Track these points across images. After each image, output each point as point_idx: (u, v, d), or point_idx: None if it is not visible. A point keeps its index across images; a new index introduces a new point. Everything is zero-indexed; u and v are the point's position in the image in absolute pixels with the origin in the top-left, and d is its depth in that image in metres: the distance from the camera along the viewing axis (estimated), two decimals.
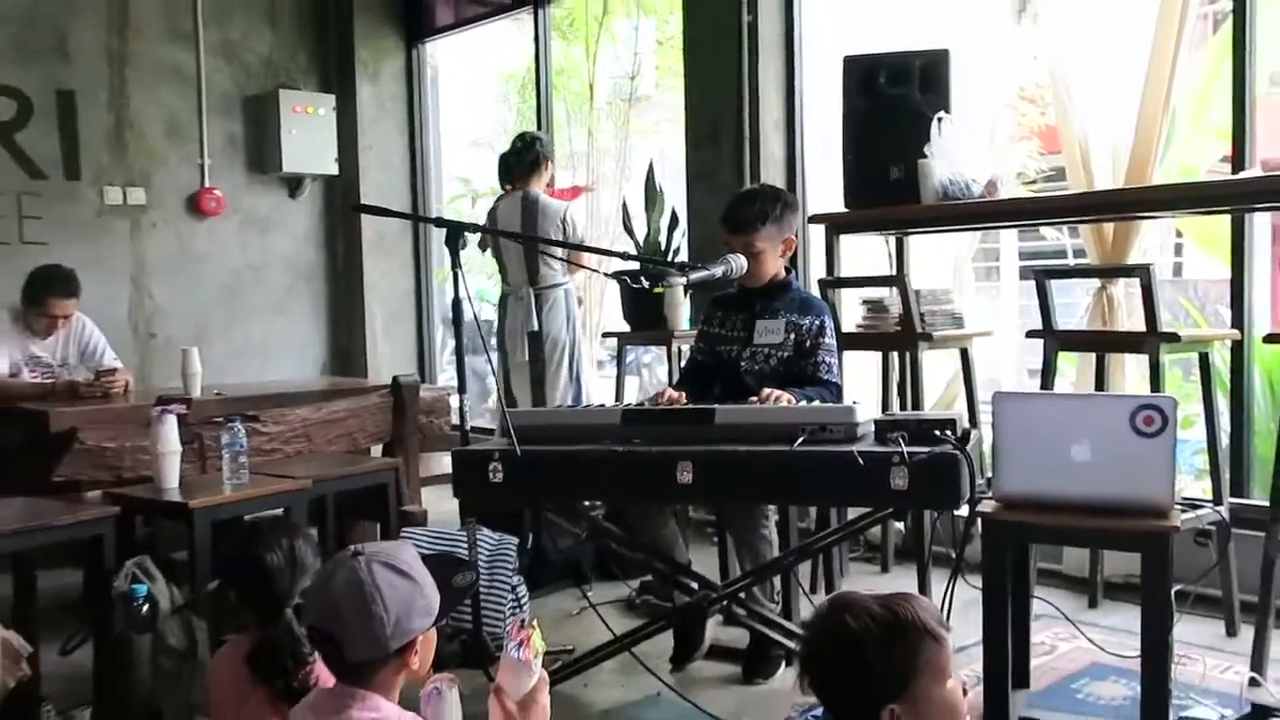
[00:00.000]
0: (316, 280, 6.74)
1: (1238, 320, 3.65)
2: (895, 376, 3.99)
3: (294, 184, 6.57)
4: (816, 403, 2.97)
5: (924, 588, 3.23)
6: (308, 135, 6.37)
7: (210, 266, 6.29)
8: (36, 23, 5.65)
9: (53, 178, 5.76)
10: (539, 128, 6.00)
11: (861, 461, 2.53)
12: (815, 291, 3.89)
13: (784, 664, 3.21)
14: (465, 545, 3.39)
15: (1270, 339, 3.02)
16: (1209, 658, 3.21)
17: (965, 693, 1.62)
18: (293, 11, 6.56)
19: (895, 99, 3.89)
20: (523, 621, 1.96)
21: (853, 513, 3.37)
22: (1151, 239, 4.16)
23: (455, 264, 2.95)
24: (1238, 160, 3.65)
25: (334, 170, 6.51)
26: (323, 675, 2.22)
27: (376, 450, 4.80)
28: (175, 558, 3.40)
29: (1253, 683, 2.83)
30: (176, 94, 6.14)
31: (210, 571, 3.00)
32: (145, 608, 2.91)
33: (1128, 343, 3.49)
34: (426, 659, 1.87)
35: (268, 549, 2.37)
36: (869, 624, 1.59)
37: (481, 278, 6.14)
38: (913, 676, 1.57)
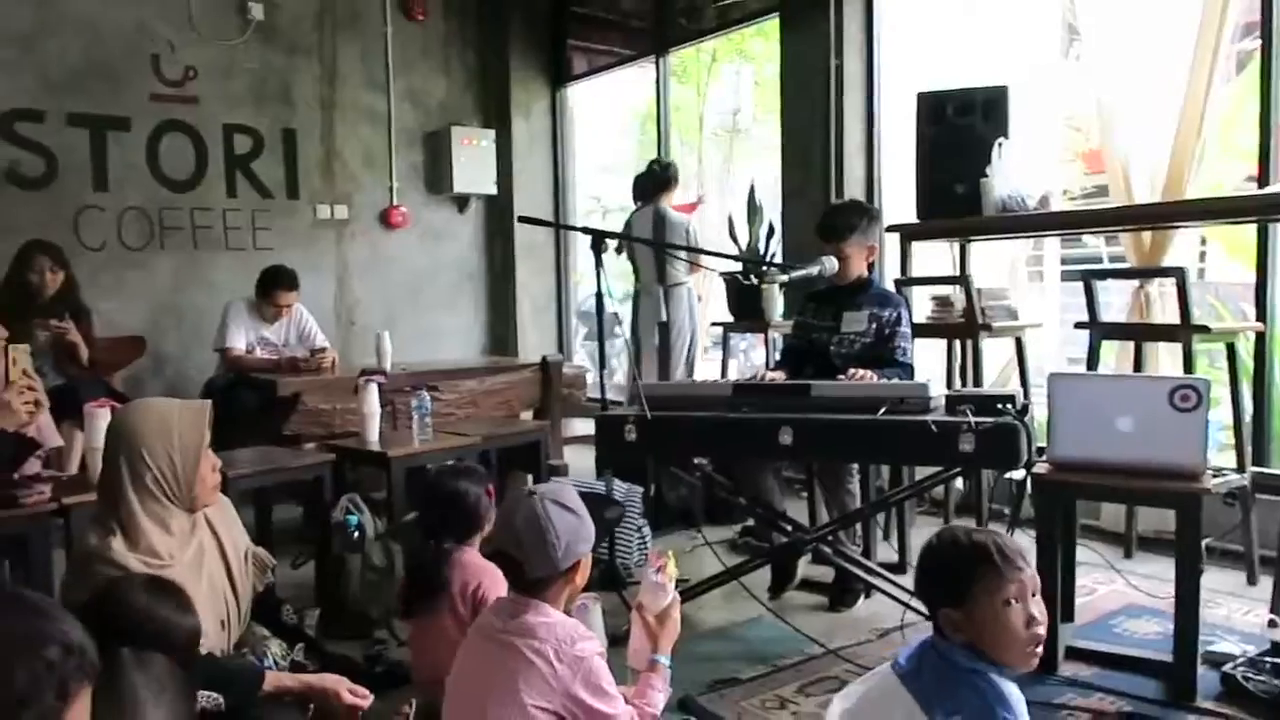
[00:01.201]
0: (479, 279, 6.85)
1: (1261, 314, 3.48)
2: (958, 361, 3.91)
3: (462, 202, 6.69)
4: (895, 380, 2.94)
5: None
6: (473, 162, 6.47)
7: (397, 268, 6.44)
8: (267, 78, 5.87)
9: (278, 198, 5.95)
10: (659, 155, 6.03)
11: (935, 428, 2.50)
12: (892, 289, 3.84)
13: (863, 596, 3.19)
14: (604, 492, 3.45)
15: None
16: (1232, 602, 3.09)
17: (1031, 625, 1.57)
18: (462, 64, 6.67)
19: (961, 128, 3.80)
20: (660, 552, 1.99)
21: (920, 474, 3.34)
22: (1187, 250, 3.98)
23: (598, 264, 2.98)
24: (1263, 177, 3.48)
25: (493, 190, 6.62)
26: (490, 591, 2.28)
27: (527, 415, 4.90)
28: (374, 497, 3.54)
29: (1271, 624, 2.70)
30: (372, 131, 6.30)
31: (410, 504, 3.09)
32: (356, 534, 3.04)
33: (1164, 333, 3.35)
34: (585, 578, 1.90)
35: (465, 482, 2.45)
36: (947, 544, 1.62)
37: (610, 278, 6.17)
38: (970, 591, 1.55)
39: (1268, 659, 2.46)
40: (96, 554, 2.08)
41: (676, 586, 2.04)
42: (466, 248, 6.78)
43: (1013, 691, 1.55)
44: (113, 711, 1.51)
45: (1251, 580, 3.25)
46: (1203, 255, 6.03)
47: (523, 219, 3.25)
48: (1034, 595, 1.56)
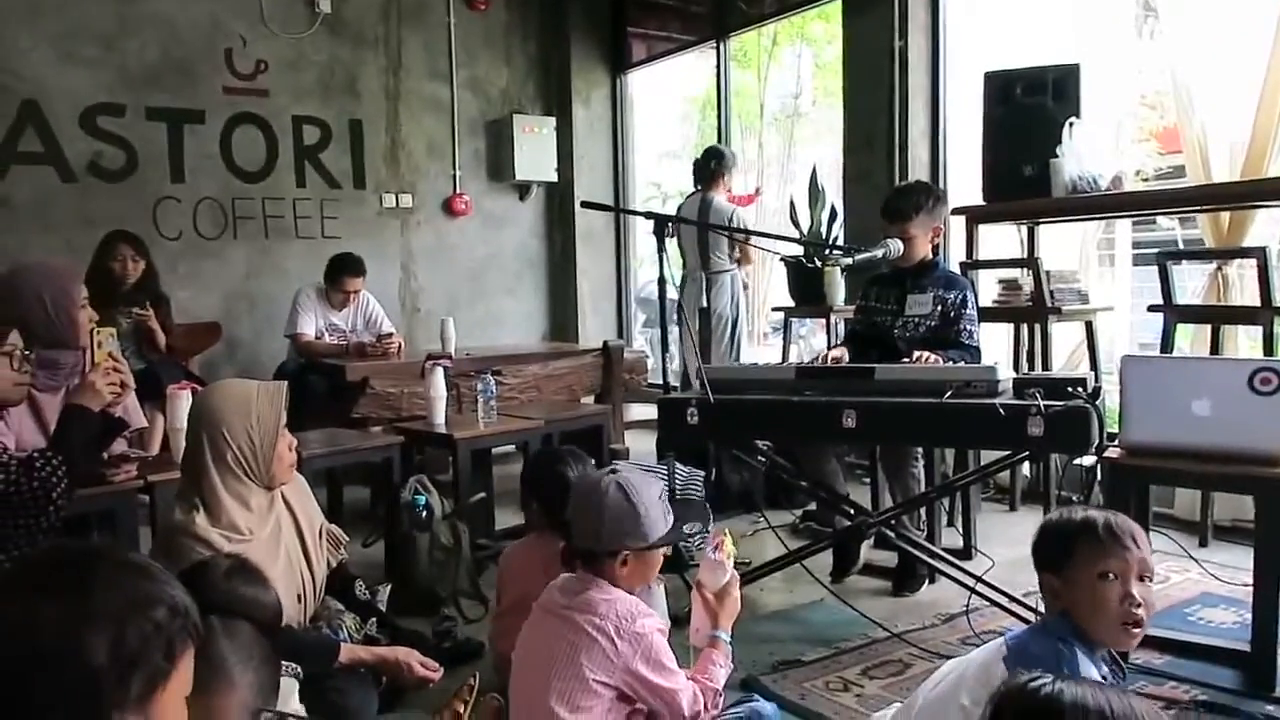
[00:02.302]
0: (539, 266, 6.91)
1: None
2: (1025, 346, 3.84)
3: (523, 189, 6.75)
4: (961, 364, 2.90)
5: None
6: (534, 150, 6.51)
7: (460, 255, 6.52)
8: (334, 70, 5.98)
9: (345, 187, 6.06)
10: (719, 141, 6.00)
11: (1003, 411, 2.46)
12: (957, 272, 3.78)
13: (927, 581, 3.16)
14: (665, 476, 3.46)
15: None
16: None
17: (1126, 602, 1.56)
18: (523, 53, 6.72)
19: (1031, 107, 3.72)
20: (719, 530, 2.00)
21: (985, 459, 3.29)
22: (1268, 232, 3.84)
23: (661, 248, 2.98)
24: None
25: (554, 178, 6.66)
26: None
27: (589, 399, 4.93)
28: (441, 479, 3.60)
29: None
30: (435, 120, 6.38)
31: (475, 486, 3.15)
32: (424, 513, 3.10)
33: (1243, 315, 3.25)
34: (637, 574, 1.88)
35: (568, 467, 2.48)
36: (1064, 515, 1.70)
37: (674, 268, 6.18)
38: (1071, 559, 1.57)
39: None
40: (181, 529, 2.16)
41: (736, 566, 2.05)
42: (527, 234, 6.83)
43: (1091, 671, 1.54)
44: (204, 677, 1.57)
45: None
46: None
47: (585, 204, 3.27)
48: (1140, 578, 1.56)
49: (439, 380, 3.53)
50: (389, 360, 4.63)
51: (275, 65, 5.77)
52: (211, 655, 1.58)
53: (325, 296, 4.99)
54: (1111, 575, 1.56)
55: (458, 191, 6.44)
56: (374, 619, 2.45)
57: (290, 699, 1.84)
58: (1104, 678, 1.57)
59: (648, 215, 3.07)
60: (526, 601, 2.40)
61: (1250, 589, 2.41)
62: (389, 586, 2.62)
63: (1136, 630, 1.55)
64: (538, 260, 6.90)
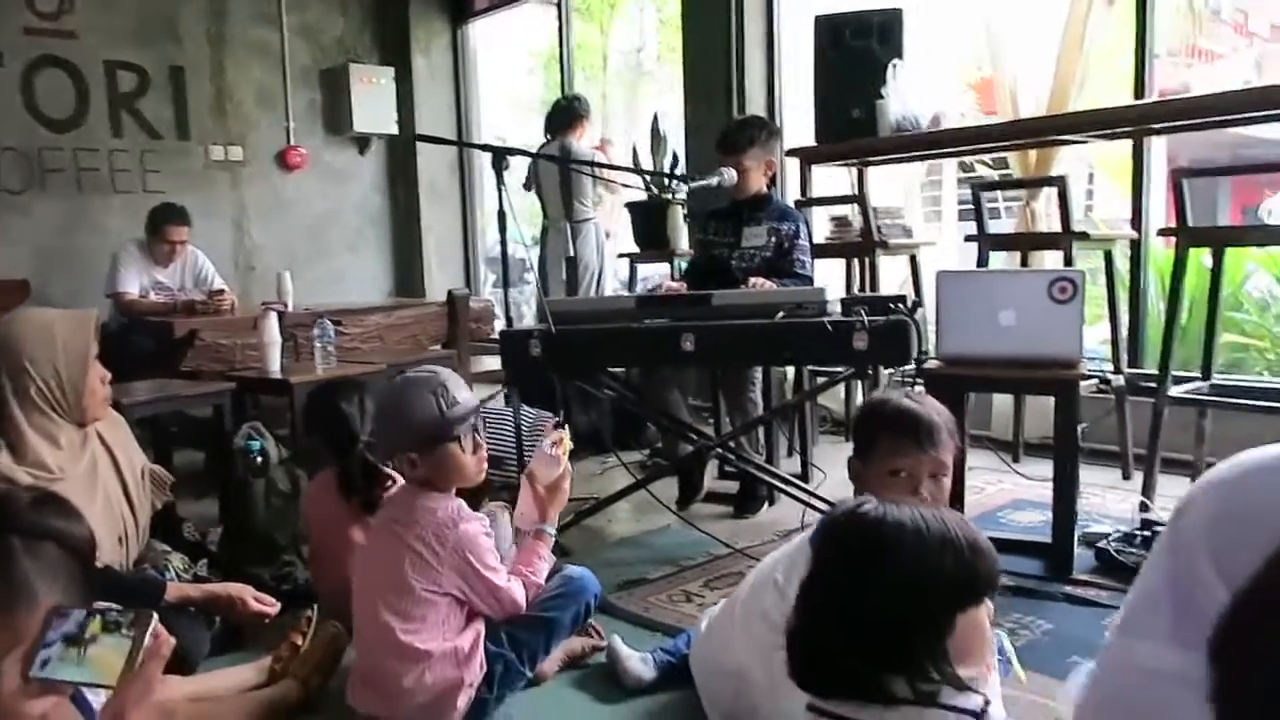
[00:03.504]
0: (382, 222, 6.72)
1: (1136, 224, 3.66)
2: (856, 280, 4.02)
3: (363, 143, 6.53)
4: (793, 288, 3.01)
5: None
6: (373, 102, 6.31)
7: (297, 211, 6.27)
8: (149, 11, 5.60)
9: (167, 138, 5.72)
10: (563, 93, 5.97)
11: (831, 328, 2.57)
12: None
13: (767, 504, 3.29)
14: (511, 419, 3.45)
15: (1163, 232, 3.05)
16: (1108, 494, 3.28)
17: (917, 490, 1.65)
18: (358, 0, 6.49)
19: (858, 51, 3.87)
20: (558, 424, 2.03)
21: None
22: (1068, 171, 4.15)
23: (500, 182, 2.94)
24: (1139, 95, 3.64)
25: (394, 130, 6.46)
26: None
27: (435, 349, 4.85)
28: (279, 433, 3.47)
29: (1142, 506, 2.91)
30: (264, 69, 6.08)
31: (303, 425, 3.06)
32: (259, 459, 2.98)
33: (1047, 241, 3.50)
34: (440, 476, 1.86)
35: (343, 399, 2.44)
36: (879, 403, 1.77)
37: (520, 221, 6.10)
38: (872, 449, 1.65)
39: (1139, 533, 2.63)
40: None
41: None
42: (369, 189, 6.63)
43: None
44: (6, 599, 1.48)
45: (1126, 475, 3.46)
46: (1090, 194, 6.29)
47: (420, 137, 3.20)
48: (933, 477, 1.64)
49: (272, 325, 3.40)
50: (220, 318, 4.41)
51: (83, 5, 5.36)
52: (13, 575, 1.49)
53: (149, 252, 4.69)
54: (903, 473, 1.64)
55: (292, 144, 6.18)
56: (204, 560, 2.35)
57: None
58: None
59: (485, 148, 3.04)
60: (330, 539, 2.38)
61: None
62: (220, 529, 2.51)
63: None
64: (380, 216, 6.71)
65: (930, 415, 1.70)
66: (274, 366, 3.39)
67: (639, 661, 1.99)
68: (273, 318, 3.40)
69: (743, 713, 1.68)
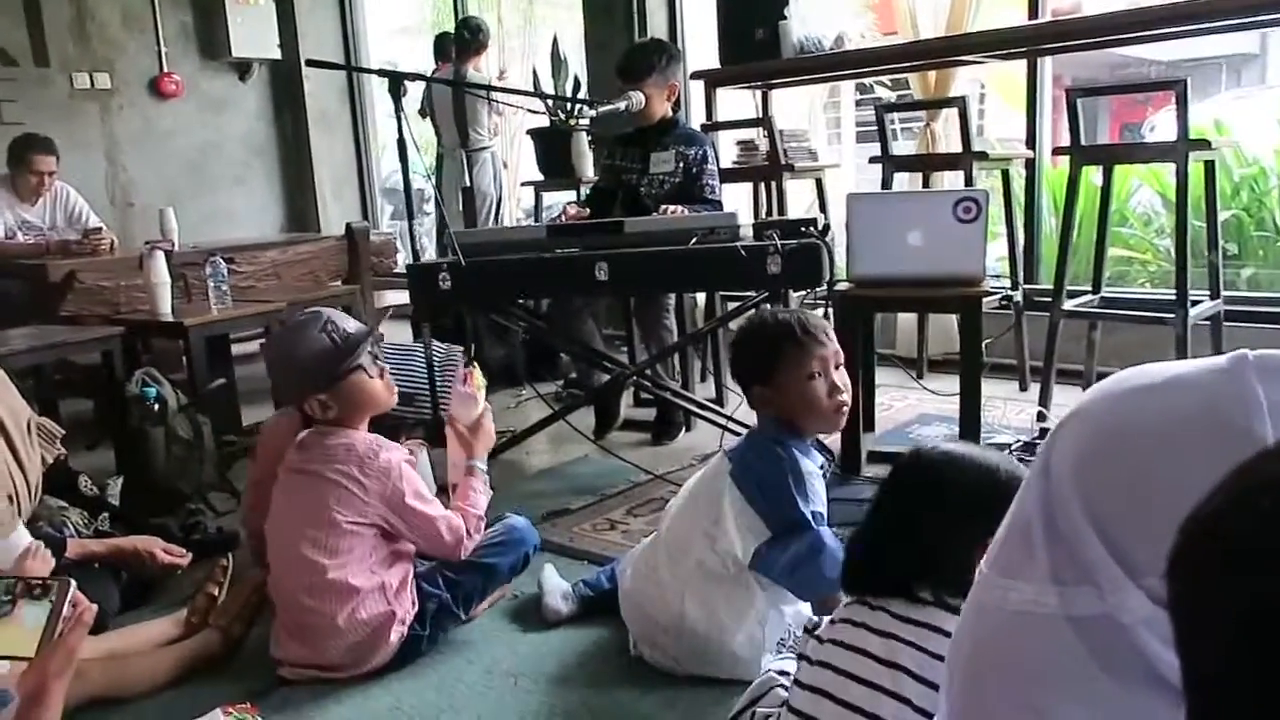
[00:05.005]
0: (270, 153, 6.39)
1: (1031, 143, 3.76)
2: (764, 204, 4.03)
3: (243, 68, 6.15)
4: (705, 214, 3.00)
5: None
6: (252, 24, 5.93)
7: (176, 143, 5.90)
8: None
9: (23, 65, 5.27)
10: (456, 14, 5.74)
11: (744, 253, 2.58)
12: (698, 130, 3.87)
13: (684, 429, 3.32)
14: (422, 355, 3.37)
15: (1058, 151, 3.14)
16: (1007, 406, 3.41)
17: (834, 394, 1.70)
18: None
19: None
20: (468, 361, 2.00)
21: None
22: (969, 89, 4.22)
23: (398, 109, 2.84)
24: (1032, 13, 3.70)
25: (277, 55, 6.12)
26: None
27: (335, 285, 4.68)
28: (174, 378, 3.32)
29: (1040, 416, 3.04)
30: None
31: (212, 374, 2.94)
32: (155, 406, 2.85)
33: (948, 162, 3.57)
34: (351, 411, 1.84)
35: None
36: (755, 326, 1.77)
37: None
38: (776, 366, 1.66)
39: (1038, 442, 2.76)
40: None
41: (499, 438, 2.04)
42: (253, 119, 6.29)
43: (808, 466, 1.68)
44: None
45: (1023, 387, 3.61)
46: (982, 113, 6.42)
47: (311, 62, 3.03)
48: (836, 368, 1.68)
49: (160, 265, 3.21)
50: (99, 258, 4.16)
51: None
52: None
53: (12, 187, 4.36)
54: (817, 374, 1.68)
55: (165, 70, 5.80)
56: (105, 514, 2.25)
57: None
58: (821, 466, 1.72)
59: (381, 73, 2.90)
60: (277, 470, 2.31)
61: (958, 407, 2.71)
62: (120, 480, 2.40)
63: (844, 411, 1.70)
64: (267, 147, 6.38)
65: (806, 314, 1.77)
66: (165, 309, 3.22)
67: (559, 598, 2.00)
68: (160, 257, 3.22)
69: (684, 656, 1.71)
